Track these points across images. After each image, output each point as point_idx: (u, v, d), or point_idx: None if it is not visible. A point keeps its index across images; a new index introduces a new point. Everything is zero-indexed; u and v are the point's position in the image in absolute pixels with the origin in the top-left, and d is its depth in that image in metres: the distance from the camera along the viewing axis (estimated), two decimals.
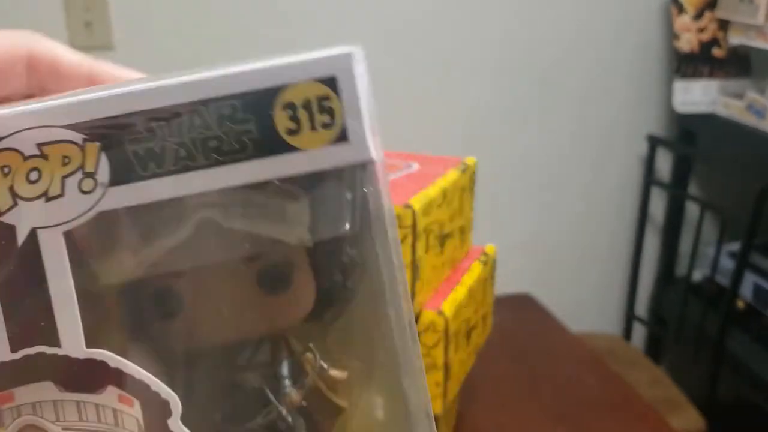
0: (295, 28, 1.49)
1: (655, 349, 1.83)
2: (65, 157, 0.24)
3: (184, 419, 0.25)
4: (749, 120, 1.47)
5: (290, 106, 0.25)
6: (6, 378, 0.25)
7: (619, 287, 1.85)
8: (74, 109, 0.24)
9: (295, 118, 0.25)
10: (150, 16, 1.42)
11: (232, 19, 1.45)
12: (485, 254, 0.89)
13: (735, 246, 1.57)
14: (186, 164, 0.24)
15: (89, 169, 0.24)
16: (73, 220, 0.24)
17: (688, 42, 1.57)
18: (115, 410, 0.26)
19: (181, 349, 0.28)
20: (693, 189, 1.76)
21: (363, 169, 0.26)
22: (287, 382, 0.28)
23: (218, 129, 0.25)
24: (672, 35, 1.59)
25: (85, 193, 0.24)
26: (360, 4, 1.50)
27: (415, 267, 0.70)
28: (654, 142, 1.65)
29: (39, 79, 0.31)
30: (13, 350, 0.25)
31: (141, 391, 0.25)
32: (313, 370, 0.29)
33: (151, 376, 0.25)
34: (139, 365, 0.25)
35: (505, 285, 1.33)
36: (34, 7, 1.36)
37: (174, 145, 0.24)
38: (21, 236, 0.24)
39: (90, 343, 0.25)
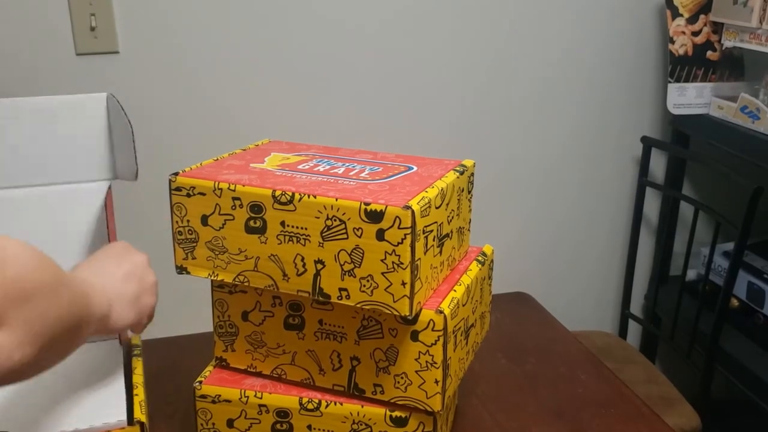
0: (292, 31, 1.50)
1: (650, 347, 1.84)
2: None
3: None
4: (743, 122, 1.49)
5: None
6: None
7: (615, 286, 1.87)
8: None
9: None
10: (154, 21, 1.43)
11: (232, 24, 1.47)
12: (483, 254, 0.91)
13: (728, 246, 1.59)
14: None
15: None
16: None
17: (682, 45, 1.59)
18: None
19: None
20: (687, 190, 1.78)
21: None
22: None
23: None
24: (667, 38, 1.61)
25: None
26: (359, 4, 1.52)
27: (414, 267, 0.71)
28: (648, 144, 1.67)
29: None
30: None
31: None
32: None
33: None
34: None
35: (503, 284, 1.35)
36: (40, 14, 1.38)
37: None
38: None
39: None
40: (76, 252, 0.90)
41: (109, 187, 0.92)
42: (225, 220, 0.77)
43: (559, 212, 1.77)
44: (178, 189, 0.79)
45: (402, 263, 0.71)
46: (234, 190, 0.76)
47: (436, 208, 0.76)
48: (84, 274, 0.68)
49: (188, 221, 0.79)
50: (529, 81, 1.65)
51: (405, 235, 0.70)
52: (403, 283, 0.71)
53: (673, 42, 1.59)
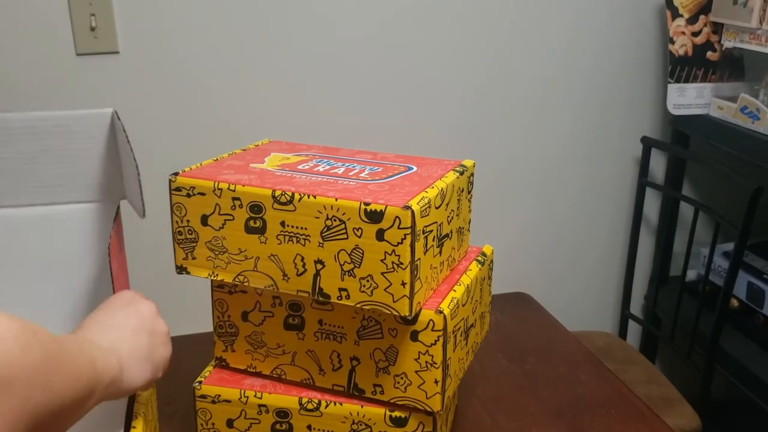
0: (292, 31, 1.50)
1: (650, 348, 1.84)
2: None
3: None
4: (742, 122, 1.49)
5: None
6: None
7: (615, 286, 1.87)
8: None
9: None
10: (154, 22, 1.43)
11: (232, 24, 1.47)
12: (483, 254, 0.91)
13: (728, 246, 1.59)
14: None
15: None
16: None
17: (682, 45, 1.59)
18: None
19: None
20: (687, 190, 1.78)
21: None
22: None
23: None
24: (667, 39, 1.61)
25: None
26: (359, 4, 1.52)
27: (414, 267, 0.71)
28: (648, 144, 1.67)
29: None
30: None
31: None
32: None
33: None
34: None
35: (503, 284, 1.34)
36: (40, 14, 1.38)
37: None
38: None
39: None
40: (70, 275, 0.86)
41: (118, 209, 0.88)
42: (225, 220, 0.77)
43: (559, 212, 1.77)
44: (177, 189, 0.79)
45: (402, 263, 0.71)
46: (234, 190, 0.76)
47: (436, 208, 0.76)
48: (90, 333, 0.63)
49: (188, 221, 0.79)
50: (529, 81, 1.65)
51: (405, 235, 0.70)
52: (403, 283, 0.71)
53: (673, 42, 1.59)
